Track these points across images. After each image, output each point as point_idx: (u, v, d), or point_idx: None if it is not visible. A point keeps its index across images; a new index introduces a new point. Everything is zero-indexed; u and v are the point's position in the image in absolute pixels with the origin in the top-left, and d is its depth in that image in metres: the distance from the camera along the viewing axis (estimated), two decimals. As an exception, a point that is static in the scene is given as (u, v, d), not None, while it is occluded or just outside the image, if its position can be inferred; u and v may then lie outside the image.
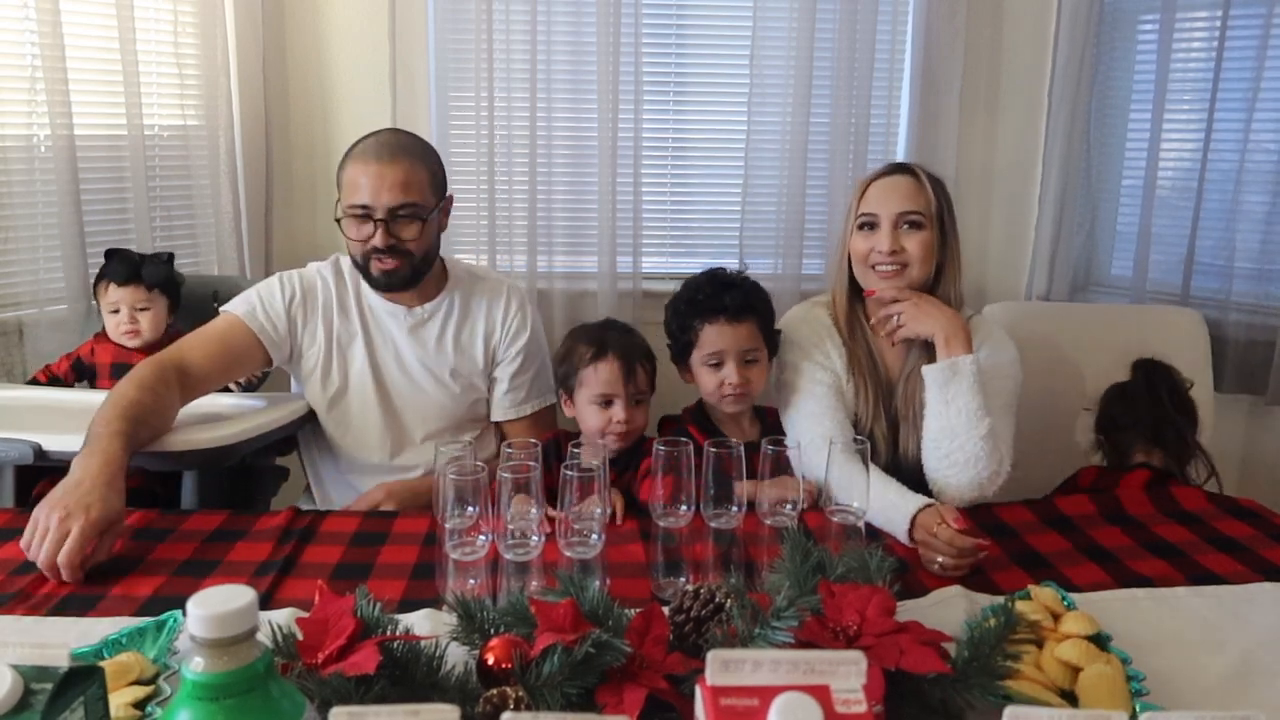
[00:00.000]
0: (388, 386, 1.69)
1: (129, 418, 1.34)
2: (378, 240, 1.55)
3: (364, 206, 1.54)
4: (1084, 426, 1.96)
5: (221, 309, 1.67)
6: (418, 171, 1.57)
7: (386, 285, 1.63)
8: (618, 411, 1.54)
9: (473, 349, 1.71)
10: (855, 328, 1.60)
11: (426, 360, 1.69)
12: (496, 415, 1.76)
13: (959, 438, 1.41)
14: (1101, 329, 2.15)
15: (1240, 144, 2.35)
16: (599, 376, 1.55)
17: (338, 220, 1.60)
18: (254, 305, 1.64)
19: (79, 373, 1.96)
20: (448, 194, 1.66)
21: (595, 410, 1.56)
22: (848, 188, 2.48)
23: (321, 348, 1.67)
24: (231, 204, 2.39)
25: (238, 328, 1.62)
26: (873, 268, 1.54)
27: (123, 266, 1.92)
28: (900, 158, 2.54)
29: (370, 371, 1.68)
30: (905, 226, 1.52)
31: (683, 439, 1.10)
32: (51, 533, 1.14)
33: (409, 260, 1.59)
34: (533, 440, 1.17)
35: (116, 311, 1.92)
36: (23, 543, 1.16)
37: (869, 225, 1.55)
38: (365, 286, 1.69)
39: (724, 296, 1.55)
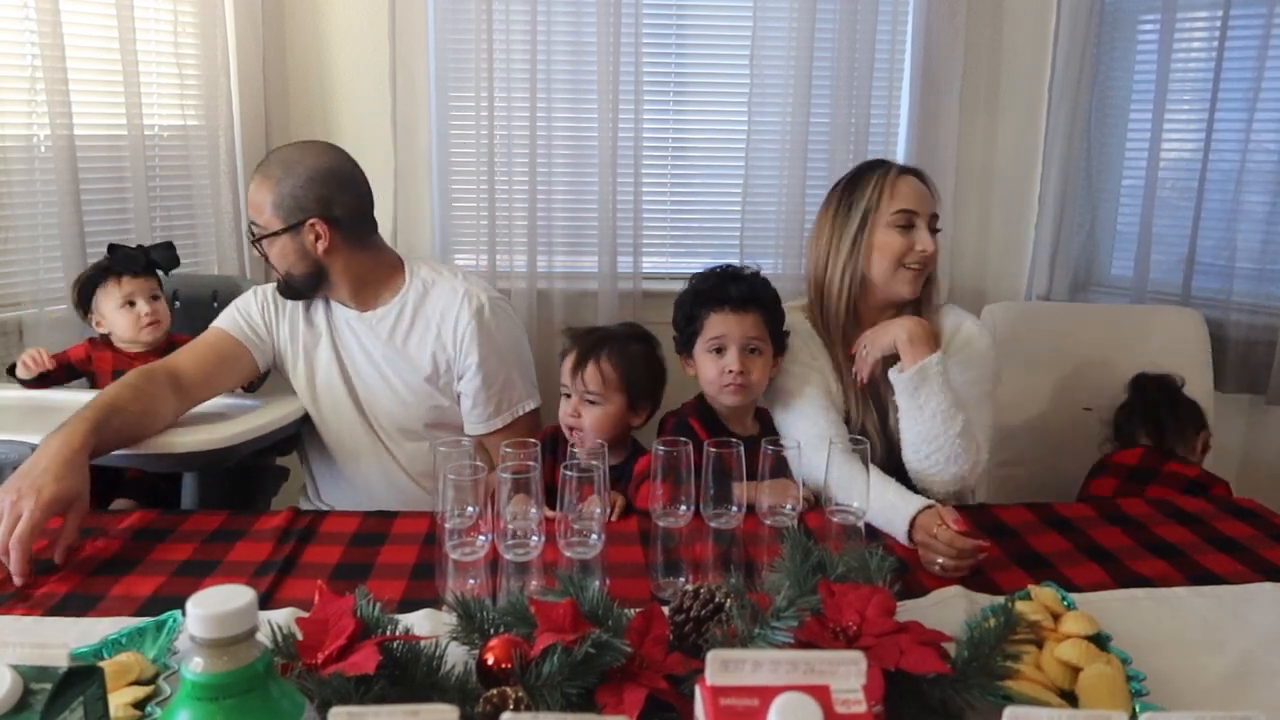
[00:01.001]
0: (355, 386, 1.71)
1: (99, 407, 1.36)
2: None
3: None
4: (1086, 429, 1.96)
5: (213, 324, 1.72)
6: (260, 191, 1.59)
7: (283, 295, 1.70)
8: (568, 405, 1.59)
9: (420, 358, 1.67)
10: (854, 323, 1.61)
11: (378, 363, 1.69)
12: (469, 430, 1.69)
13: (936, 439, 1.42)
14: (1102, 329, 2.15)
15: (1241, 144, 2.35)
16: (563, 367, 1.62)
17: None
18: (234, 315, 1.71)
19: (68, 374, 1.92)
20: (308, 220, 1.58)
21: (561, 400, 1.63)
22: (848, 188, 2.48)
23: (291, 349, 1.72)
24: (231, 204, 2.39)
25: (223, 336, 1.68)
26: (904, 267, 1.56)
27: (134, 258, 1.90)
28: (900, 158, 2.54)
29: (338, 372, 1.70)
30: (931, 230, 1.56)
31: (681, 439, 1.10)
32: (5, 516, 1.14)
33: (282, 271, 1.65)
34: (532, 440, 1.17)
35: (131, 304, 1.87)
36: None
37: (907, 224, 1.56)
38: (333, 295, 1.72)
39: (729, 286, 1.58)
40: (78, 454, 1.25)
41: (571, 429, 1.59)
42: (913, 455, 1.46)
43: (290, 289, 1.67)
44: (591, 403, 1.58)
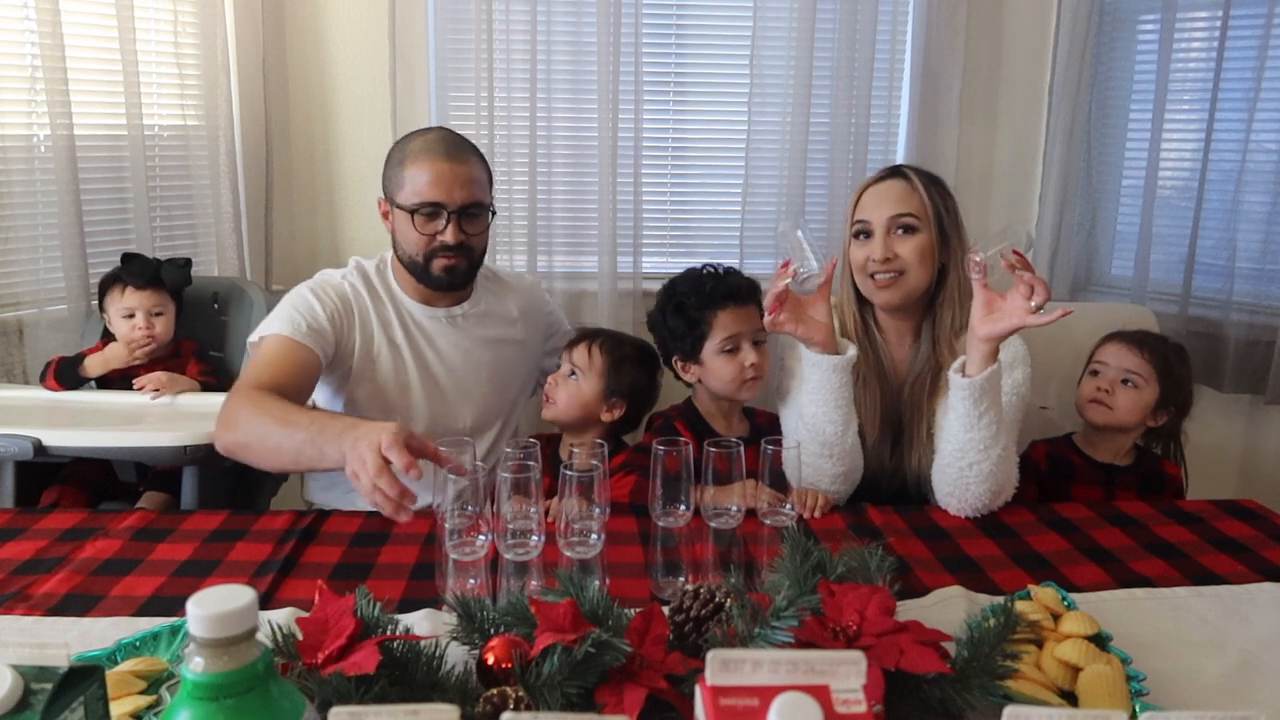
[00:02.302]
0: (439, 388, 1.68)
1: (307, 409, 1.39)
2: (448, 236, 1.56)
3: (436, 204, 1.55)
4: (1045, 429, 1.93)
5: (258, 337, 1.57)
6: (480, 170, 1.62)
7: (449, 283, 1.63)
8: (554, 375, 1.70)
9: (511, 344, 1.76)
10: (864, 335, 1.58)
11: (468, 360, 1.70)
12: None
13: (988, 450, 1.36)
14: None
15: (1241, 144, 2.35)
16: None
17: (384, 215, 1.65)
18: (297, 321, 1.55)
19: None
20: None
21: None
22: (848, 188, 2.48)
23: (363, 352, 1.63)
24: (231, 204, 2.39)
25: (290, 345, 1.52)
26: (871, 277, 1.52)
27: (142, 269, 1.90)
28: (900, 158, 2.54)
29: (418, 375, 1.66)
30: (899, 231, 1.50)
31: (679, 438, 1.10)
32: (367, 463, 1.12)
33: (469, 256, 1.61)
34: (532, 439, 1.17)
35: (130, 316, 1.89)
36: (373, 500, 1.12)
37: (863, 233, 1.54)
38: (398, 290, 1.68)
39: (730, 280, 1.59)
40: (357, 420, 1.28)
41: (547, 396, 1.68)
42: (952, 463, 1.38)
43: (472, 270, 1.66)
44: (570, 375, 1.64)
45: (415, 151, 1.58)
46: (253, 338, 1.58)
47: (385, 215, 1.65)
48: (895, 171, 1.57)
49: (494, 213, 1.66)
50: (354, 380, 1.63)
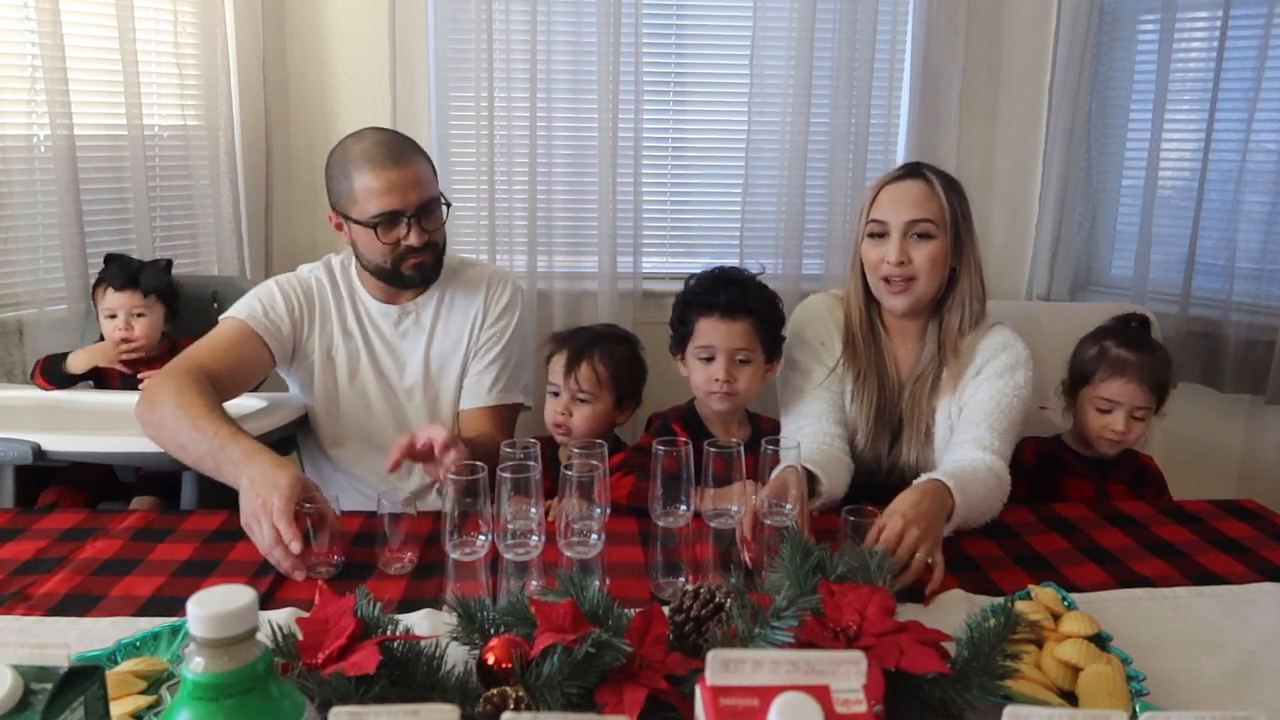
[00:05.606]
0: (391, 386, 1.69)
1: (220, 416, 1.36)
2: (413, 239, 1.55)
3: (394, 212, 1.53)
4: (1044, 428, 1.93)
5: (221, 317, 1.63)
6: (425, 167, 1.59)
7: (422, 280, 1.64)
8: (557, 403, 1.65)
9: (461, 333, 1.69)
10: (869, 331, 1.59)
11: (417, 358, 1.68)
12: (463, 403, 1.71)
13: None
14: (1054, 326, 2.12)
15: (1241, 144, 2.35)
16: (551, 367, 1.68)
17: (337, 227, 1.62)
18: (256, 308, 1.61)
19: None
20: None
21: (548, 399, 1.68)
22: (848, 188, 2.48)
23: (323, 351, 1.67)
24: (231, 204, 2.39)
25: (244, 331, 1.59)
26: (884, 280, 1.52)
27: (120, 272, 1.91)
28: (900, 158, 2.54)
29: (373, 373, 1.68)
30: (914, 237, 1.50)
31: (682, 439, 1.10)
32: (267, 533, 1.16)
33: (435, 251, 1.62)
34: (531, 440, 1.17)
35: (113, 316, 1.90)
36: (268, 553, 1.17)
37: (879, 233, 1.53)
38: (360, 289, 1.69)
39: (720, 293, 1.55)
40: (268, 453, 1.27)
41: (559, 425, 1.65)
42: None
43: (438, 262, 1.63)
44: (583, 401, 1.63)
45: (358, 162, 1.54)
46: (221, 318, 1.64)
47: (339, 228, 1.62)
48: (914, 171, 1.56)
49: (448, 204, 1.63)
50: (317, 378, 1.67)
